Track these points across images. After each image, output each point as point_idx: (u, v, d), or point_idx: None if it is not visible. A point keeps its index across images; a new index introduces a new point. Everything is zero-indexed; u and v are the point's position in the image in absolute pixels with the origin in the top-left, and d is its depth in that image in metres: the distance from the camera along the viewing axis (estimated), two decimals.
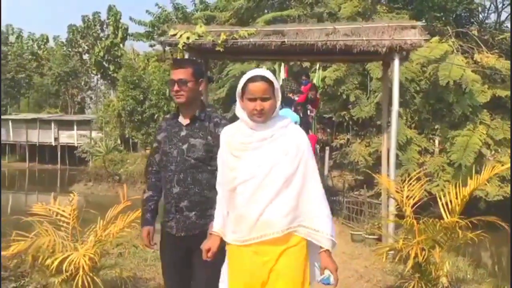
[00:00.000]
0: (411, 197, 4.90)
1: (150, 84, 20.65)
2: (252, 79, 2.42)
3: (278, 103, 2.49)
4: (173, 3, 29.00)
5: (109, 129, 22.99)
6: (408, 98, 14.01)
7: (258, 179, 2.40)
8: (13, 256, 4.36)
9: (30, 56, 38.53)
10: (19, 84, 37.11)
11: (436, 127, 14.11)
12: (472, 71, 13.36)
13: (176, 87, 2.84)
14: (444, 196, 4.73)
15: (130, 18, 30.37)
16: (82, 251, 3.78)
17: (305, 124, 10.40)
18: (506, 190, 12.61)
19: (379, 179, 6.49)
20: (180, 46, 5.89)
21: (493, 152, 13.35)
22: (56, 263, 3.68)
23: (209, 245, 2.55)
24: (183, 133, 2.89)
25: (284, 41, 5.91)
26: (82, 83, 40.26)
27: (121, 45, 36.63)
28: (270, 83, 2.42)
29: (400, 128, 13.20)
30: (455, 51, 14.00)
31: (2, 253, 4.13)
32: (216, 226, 2.59)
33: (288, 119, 2.59)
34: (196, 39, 5.95)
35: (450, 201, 4.67)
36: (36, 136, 32.33)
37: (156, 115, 20.42)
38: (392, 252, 5.48)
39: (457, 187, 4.65)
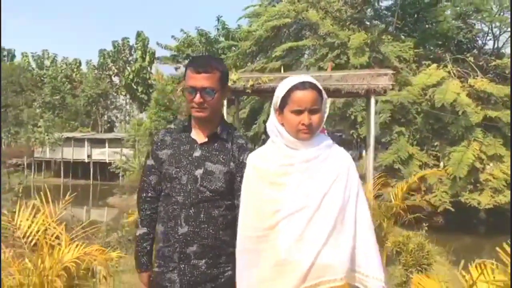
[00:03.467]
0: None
1: (179, 106, 22.81)
2: (298, 87, 1.92)
3: (325, 117, 2.02)
4: (197, 29, 31.32)
5: (141, 147, 25.21)
6: (410, 118, 15.78)
7: (309, 211, 1.87)
8: None
9: (64, 79, 41.36)
10: (54, 105, 39.85)
11: (435, 144, 15.82)
12: (467, 94, 15.08)
13: (198, 98, 2.09)
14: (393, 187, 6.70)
15: (157, 43, 32.82)
16: None
17: None
18: (496, 200, 14.22)
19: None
20: None
21: (486, 165, 15.00)
22: None
23: None
24: (196, 154, 2.16)
25: None
26: (108, 102, 42.96)
27: (148, 68, 39.24)
28: (319, 92, 1.95)
29: (402, 145, 15.02)
30: (452, 76, 15.77)
31: None
32: None
33: (329, 138, 2.09)
34: (232, 83, 7.96)
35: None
36: (71, 153, 34.77)
37: None
38: None
39: (401, 185, 6.64)
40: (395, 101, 15.09)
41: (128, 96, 41.50)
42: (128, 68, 39.70)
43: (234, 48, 24.95)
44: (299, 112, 1.90)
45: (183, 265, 2.11)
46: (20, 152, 34.26)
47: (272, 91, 7.08)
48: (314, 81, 1.96)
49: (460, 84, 15.43)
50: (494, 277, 2.52)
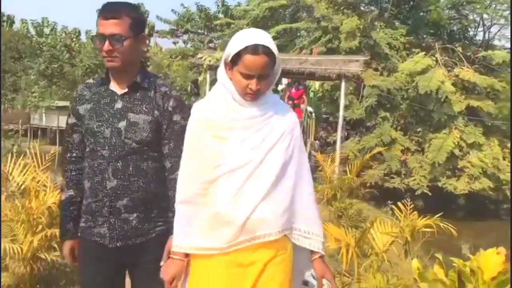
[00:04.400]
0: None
1: (174, 80, 23.25)
2: (251, 50, 1.80)
3: (276, 78, 1.96)
4: (197, 4, 31.46)
5: None
6: (396, 104, 16.28)
7: (250, 167, 1.86)
8: None
9: (63, 48, 41.48)
10: (52, 73, 40.07)
11: (418, 130, 16.36)
12: (452, 83, 15.55)
13: (107, 46, 1.97)
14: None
15: (157, 17, 32.95)
16: None
17: None
18: (472, 186, 14.86)
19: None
20: (204, 66, 8.40)
21: (466, 153, 15.58)
22: None
23: (172, 272, 1.89)
24: (118, 105, 2.07)
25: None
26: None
27: (147, 41, 39.36)
28: (272, 56, 1.83)
29: (385, 129, 15.56)
30: (440, 64, 16.20)
31: None
32: (181, 240, 1.90)
33: (277, 95, 2.13)
34: (215, 61, 8.44)
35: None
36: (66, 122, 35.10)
37: None
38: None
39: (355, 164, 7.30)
40: (382, 87, 15.54)
41: None
42: None
43: (233, 26, 25.23)
44: (248, 77, 1.82)
45: (113, 219, 2.02)
46: (16, 118, 34.65)
47: None
48: (268, 44, 1.82)
49: (446, 73, 15.88)
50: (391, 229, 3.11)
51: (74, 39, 44.55)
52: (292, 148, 1.94)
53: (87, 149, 2.11)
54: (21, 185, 3.65)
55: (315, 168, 8.86)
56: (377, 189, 13.15)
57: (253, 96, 1.87)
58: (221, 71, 1.94)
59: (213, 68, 8.77)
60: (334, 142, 18.08)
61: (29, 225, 3.39)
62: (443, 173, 15.19)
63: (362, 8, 19.39)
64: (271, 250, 1.88)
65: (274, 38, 18.66)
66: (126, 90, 2.09)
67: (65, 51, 42.65)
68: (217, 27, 29.08)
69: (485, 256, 2.01)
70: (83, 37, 44.22)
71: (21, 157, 4.03)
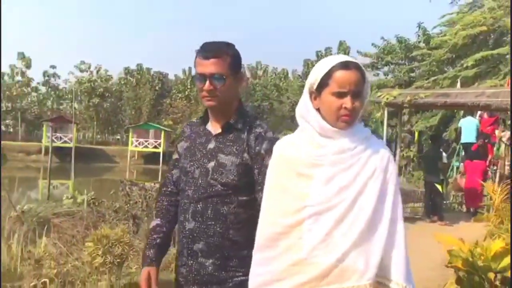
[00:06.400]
0: None
1: (370, 112, 23.90)
2: (341, 66, 1.67)
3: (366, 101, 1.77)
4: (397, 37, 31.54)
5: None
6: None
7: (340, 209, 1.66)
8: None
9: (272, 87, 46.12)
10: (263, 110, 44.78)
11: None
12: None
13: (207, 86, 1.95)
14: None
15: (357, 51, 34.10)
16: None
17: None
18: None
19: None
20: (383, 103, 9.15)
21: None
22: None
23: None
24: (211, 145, 2.04)
25: (446, 101, 8.93)
26: None
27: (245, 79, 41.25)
28: (363, 72, 1.70)
29: None
30: None
31: None
32: None
33: (368, 128, 1.82)
34: (393, 98, 9.05)
35: None
36: None
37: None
38: None
39: None
40: None
41: None
42: None
43: (431, 55, 24.82)
44: (341, 95, 1.65)
45: (191, 261, 1.99)
46: None
47: (428, 105, 8.08)
48: (357, 62, 1.71)
49: None
50: None
51: (283, 79, 49.14)
52: (387, 188, 1.70)
53: (180, 188, 2.09)
54: None
55: None
56: None
57: (349, 118, 1.66)
58: (302, 105, 1.76)
59: (391, 105, 9.42)
60: None
61: None
62: None
63: None
64: None
65: (473, 66, 18.01)
66: (220, 130, 2.03)
67: (275, 90, 47.20)
68: (418, 57, 28.84)
69: None
70: (290, 76, 48.53)
71: None
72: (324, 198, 1.65)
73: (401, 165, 18.82)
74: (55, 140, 42.27)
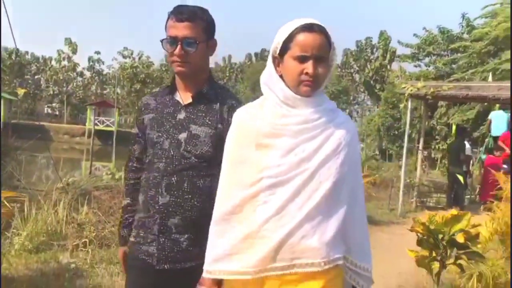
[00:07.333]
0: None
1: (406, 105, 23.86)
2: (304, 29, 1.57)
3: (333, 69, 1.69)
4: (439, 27, 30.98)
5: (369, 141, 27.16)
6: None
7: (297, 181, 1.57)
8: None
9: None
10: None
11: None
12: None
13: (179, 50, 1.85)
14: None
15: (398, 42, 33.64)
16: None
17: None
18: None
19: None
20: (406, 94, 9.37)
21: None
22: None
23: None
24: (181, 115, 1.94)
25: (468, 94, 8.99)
26: (351, 98, 46.07)
27: (388, 66, 40.75)
28: (328, 37, 1.60)
29: None
30: None
31: None
32: (210, 264, 1.66)
33: (334, 102, 1.72)
34: (417, 90, 9.23)
35: None
36: None
37: (411, 132, 23.59)
38: None
39: None
40: None
41: (366, 93, 44.00)
42: (368, 66, 42.00)
43: (470, 48, 24.37)
44: (303, 59, 1.56)
45: (162, 239, 1.88)
46: None
47: (450, 97, 8.28)
48: (323, 25, 1.60)
49: None
50: None
51: None
52: (349, 164, 1.62)
53: (147, 160, 2.00)
54: None
55: None
56: None
57: (311, 84, 1.58)
58: (266, 71, 1.69)
59: (414, 96, 9.61)
60: None
61: None
62: None
63: None
64: (317, 283, 1.56)
65: None
66: (191, 100, 1.94)
67: None
68: (460, 48, 28.30)
69: None
70: None
71: None
72: (283, 169, 1.58)
73: (436, 157, 18.76)
74: (98, 123, 43.95)
